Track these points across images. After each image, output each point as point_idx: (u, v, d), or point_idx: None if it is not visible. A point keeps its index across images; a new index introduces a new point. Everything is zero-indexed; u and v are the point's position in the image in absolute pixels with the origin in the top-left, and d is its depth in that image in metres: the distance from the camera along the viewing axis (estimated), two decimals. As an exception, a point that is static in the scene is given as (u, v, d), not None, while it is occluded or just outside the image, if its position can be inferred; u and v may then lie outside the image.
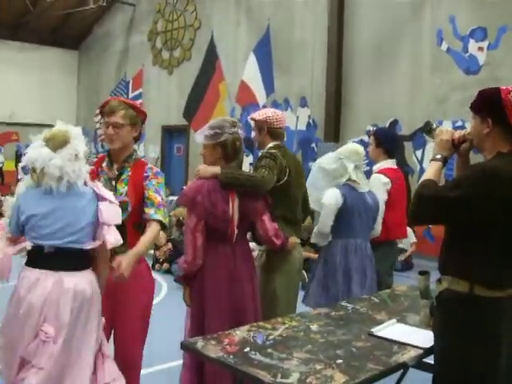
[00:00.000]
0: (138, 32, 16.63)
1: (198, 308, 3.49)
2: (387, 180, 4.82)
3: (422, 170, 9.86)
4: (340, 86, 11.11)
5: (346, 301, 3.78)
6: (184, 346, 2.81)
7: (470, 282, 2.41)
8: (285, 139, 4.28)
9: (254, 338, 2.84)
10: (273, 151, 3.88)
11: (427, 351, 2.79)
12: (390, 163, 5.00)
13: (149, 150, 16.37)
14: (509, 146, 2.42)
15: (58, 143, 2.90)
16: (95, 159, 3.40)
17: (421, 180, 2.55)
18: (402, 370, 4.10)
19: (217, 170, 3.47)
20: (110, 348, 3.11)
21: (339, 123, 11.16)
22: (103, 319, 3.05)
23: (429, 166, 2.66)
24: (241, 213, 3.51)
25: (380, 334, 2.94)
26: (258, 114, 4.11)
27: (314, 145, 11.85)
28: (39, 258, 2.86)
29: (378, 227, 4.69)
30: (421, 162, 9.94)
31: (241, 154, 3.63)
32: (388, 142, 5.09)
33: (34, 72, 17.86)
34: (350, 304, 3.60)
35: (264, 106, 12.65)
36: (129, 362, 3.21)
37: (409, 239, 5.84)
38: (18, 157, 18.31)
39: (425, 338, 2.83)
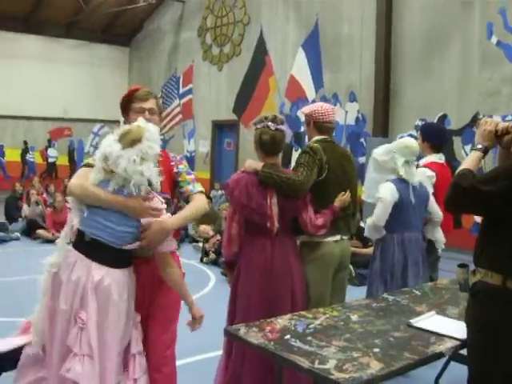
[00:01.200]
0: (188, 28, 16.88)
1: (233, 296, 3.67)
2: (432, 173, 4.85)
3: (471, 165, 9.75)
4: (388, 81, 11.08)
5: (387, 293, 3.85)
6: (227, 333, 2.93)
7: (503, 276, 2.44)
8: (333, 133, 4.28)
9: (295, 326, 2.94)
10: (314, 145, 3.90)
11: (464, 343, 2.84)
12: (437, 158, 5.03)
13: (199, 144, 16.63)
14: None
15: (128, 141, 2.83)
16: None
17: (459, 169, 2.57)
18: (443, 363, 4.18)
19: (259, 166, 3.60)
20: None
21: (388, 118, 11.12)
22: (138, 317, 3.04)
23: (469, 154, 2.68)
24: (280, 208, 3.62)
25: (418, 324, 3.00)
26: (306, 108, 4.16)
27: (362, 139, 11.84)
28: (80, 243, 2.92)
29: (437, 210, 4.73)
30: (470, 156, 9.81)
31: (276, 147, 3.70)
32: (434, 136, 5.11)
33: (86, 69, 18.34)
34: (391, 296, 3.66)
35: (313, 101, 12.67)
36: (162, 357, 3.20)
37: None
38: (71, 152, 18.87)
39: (462, 329, 2.87)
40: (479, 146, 2.66)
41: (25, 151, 18.38)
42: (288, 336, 2.79)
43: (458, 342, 2.81)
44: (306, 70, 11.96)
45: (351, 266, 7.84)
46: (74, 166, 19.05)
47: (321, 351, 2.60)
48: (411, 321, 3.04)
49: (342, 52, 12.15)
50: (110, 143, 2.87)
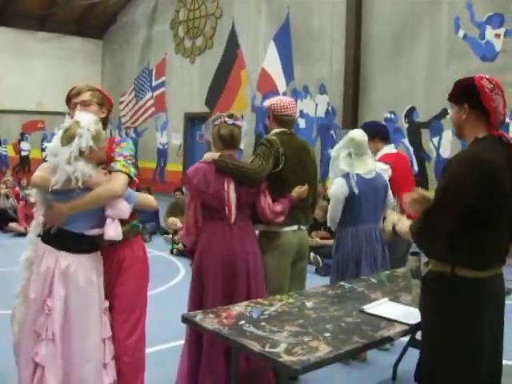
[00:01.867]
0: (161, 21, 16.82)
1: (196, 283, 3.74)
2: (386, 166, 4.96)
3: (438, 157, 9.94)
4: (358, 74, 11.20)
5: (345, 280, 3.96)
6: (184, 319, 3.00)
7: (452, 264, 2.53)
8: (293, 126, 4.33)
9: (250, 313, 3.03)
10: (272, 138, 4.00)
11: (413, 328, 2.95)
12: (388, 148, 5.15)
13: (172, 137, 16.63)
14: (485, 131, 2.56)
15: (65, 139, 2.98)
16: None
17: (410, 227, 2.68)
18: (402, 349, 4.30)
19: (215, 156, 3.72)
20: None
21: (357, 110, 11.25)
22: (106, 303, 3.20)
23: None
24: (238, 195, 3.73)
25: (370, 311, 3.11)
26: (267, 101, 4.26)
27: (332, 132, 11.96)
28: (46, 234, 3.08)
29: (391, 201, 4.83)
30: (437, 148, 10.00)
31: (234, 141, 3.78)
32: (378, 130, 5.26)
33: (59, 62, 18.15)
34: (348, 283, 3.77)
35: (284, 94, 12.76)
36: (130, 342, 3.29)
37: None
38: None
39: (413, 315, 2.98)
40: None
41: (-3, 144, 18.21)
42: (243, 322, 2.88)
43: (406, 327, 2.92)
44: (277, 63, 12.05)
45: (318, 257, 7.96)
46: (46, 160, 18.90)
47: (273, 336, 2.69)
48: (364, 307, 3.15)
49: (313, 45, 12.22)
50: (54, 141, 3.03)
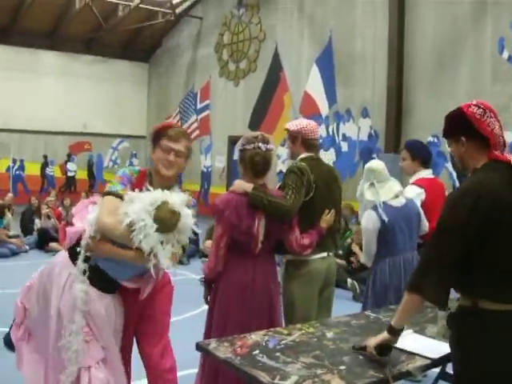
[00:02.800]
0: (206, 44, 17.04)
1: (211, 312, 3.66)
2: (421, 190, 4.81)
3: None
4: (401, 97, 11.05)
5: (371, 310, 3.82)
6: (198, 347, 2.92)
7: (474, 297, 2.40)
8: (319, 151, 4.25)
9: (267, 342, 2.93)
10: (301, 165, 3.86)
11: (435, 362, 2.81)
12: (425, 173, 4.99)
13: (215, 160, 16.72)
14: (485, 158, 2.44)
15: (162, 228, 2.87)
16: (135, 173, 3.19)
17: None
18: (432, 382, 4.13)
19: (249, 187, 3.56)
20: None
21: (400, 134, 11.08)
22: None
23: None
24: (267, 230, 3.60)
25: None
26: (292, 125, 4.10)
27: (375, 155, 11.79)
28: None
29: (425, 226, 4.68)
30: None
31: (267, 168, 3.65)
32: (423, 152, 5.09)
33: (106, 84, 18.58)
34: (373, 314, 3.63)
35: (327, 117, 12.76)
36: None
37: None
38: (90, 166, 19.07)
39: (436, 348, 2.84)
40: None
41: (44, 165, 18.61)
42: (257, 351, 2.78)
43: (428, 361, 2.78)
44: (319, 86, 12.00)
45: (356, 283, 7.80)
46: (92, 181, 19.26)
47: (285, 367, 2.59)
48: (384, 338, 3.01)
49: (355, 68, 12.15)
50: (140, 213, 2.85)
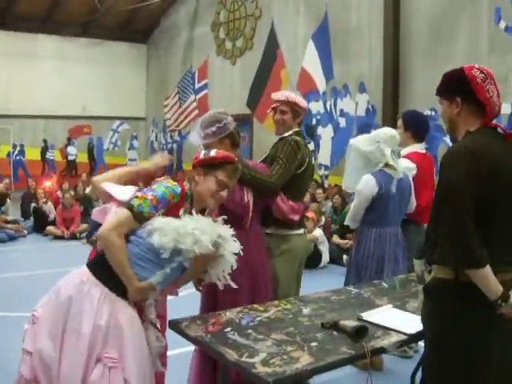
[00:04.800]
0: (202, 23, 16.85)
1: (208, 295, 3.57)
2: (413, 165, 4.72)
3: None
4: (397, 71, 10.88)
5: (353, 285, 3.76)
6: (170, 325, 2.87)
7: (455, 268, 2.31)
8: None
9: (240, 320, 2.88)
10: (299, 140, 3.80)
11: (412, 338, 2.75)
12: (418, 147, 4.88)
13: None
14: (477, 123, 2.36)
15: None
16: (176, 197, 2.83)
17: None
18: (420, 358, 4.07)
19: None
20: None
21: (397, 108, 10.92)
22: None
23: None
24: (254, 201, 3.56)
25: (369, 318, 2.90)
26: (290, 96, 3.93)
27: (373, 130, 11.66)
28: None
29: (413, 204, 4.63)
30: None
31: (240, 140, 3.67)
32: (418, 125, 4.97)
33: (104, 67, 18.46)
34: (355, 289, 3.58)
35: (324, 93, 12.63)
36: None
37: None
38: (91, 149, 19.03)
39: (414, 324, 2.78)
40: None
41: (45, 150, 18.57)
42: (229, 329, 2.74)
43: (404, 337, 2.71)
44: (316, 62, 11.89)
45: (345, 257, 7.76)
46: (93, 164, 19.22)
47: (255, 344, 2.54)
48: (362, 314, 2.95)
49: (352, 43, 11.97)
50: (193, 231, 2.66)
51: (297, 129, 3.97)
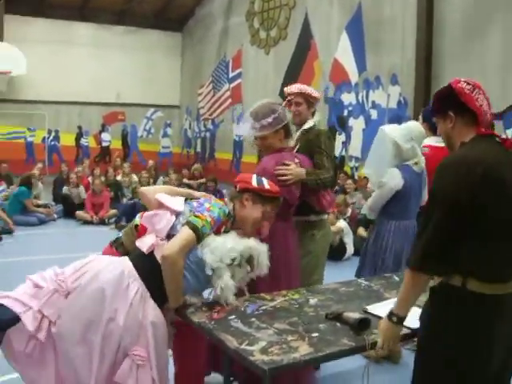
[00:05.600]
0: (237, 13, 16.85)
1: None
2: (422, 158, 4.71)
3: (513, 150, 9.36)
4: (430, 63, 10.72)
5: (364, 278, 3.76)
6: (176, 310, 2.91)
7: (463, 276, 2.28)
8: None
9: (246, 308, 2.91)
10: (327, 129, 4.17)
11: (416, 332, 2.73)
12: (433, 140, 4.84)
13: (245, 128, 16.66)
14: (472, 134, 2.37)
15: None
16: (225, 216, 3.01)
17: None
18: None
19: (303, 174, 3.69)
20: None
21: (429, 101, 10.78)
22: None
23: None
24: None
25: (373, 311, 2.91)
26: (310, 89, 4.13)
27: (403, 123, 11.55)
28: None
29: (425, 196, 4.60)
30: (513, 141, 9.42)
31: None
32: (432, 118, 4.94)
33: (139, 55, 18.62)
34: (366, 281, 3.57)
35: (356, 85, 12.54)
36: None
37: None
38: (124, 136, 19.24)
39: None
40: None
41: (79, 136, 18.85)
42: (233, 316, 2.78)
43: (407, 331, 2.70)
44: (349, 53, 11.85)
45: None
46: (127, 150, 19.44)
47: (257, 333, 2.57)
48: (367, 306, 2.96)
49: (385, 34, 11.82)
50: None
51: (318, 118, 4.13)
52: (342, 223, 8.29)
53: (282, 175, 3.57)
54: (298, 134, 4.04)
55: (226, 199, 3.21)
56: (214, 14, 17.95)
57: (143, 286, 2.75)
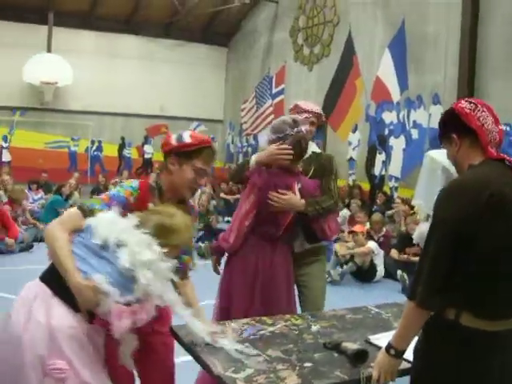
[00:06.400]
0: (281, 28, 16.86)
1: (224, 293, 3.53)
2: None
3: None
4: (472, 83, 10.47)
5: (376, 305, 3.61)
6: (171, 330, 2.82)
7: (457, 309, 2.15)
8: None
9: (243, 331, 2.81)
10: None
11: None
12: None
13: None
14: (480, 156, 2.22)
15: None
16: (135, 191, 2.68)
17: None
18: None
19: (302, 205, 3.52)
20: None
21: (471, 122, 10.53)
22: None
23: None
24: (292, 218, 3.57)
25: (376, 341, 2.76)
26: (318, 108, 4.03)
27: (446, 144, 11.29)
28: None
29: None
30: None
31: (305, 153, 3.57)
32: None
33: (184, 68, 18.78)
34: (376, 308, 3.42)
35: (398, 103, 12.33)
36: None
37: None
38: (167, 148, 19.37)
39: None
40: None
41: (122, 147, 19.07)
42: (225, 341, 2.65)
43: (408, 365, 2.53)
44: (391, 72, 11.65)
45: (405, 275, 7.49)
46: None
47: (246, 359, 2.46)
48: (370, 337, 2.82)
49: (427, 53, 11.64)
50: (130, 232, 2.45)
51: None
52: (371, 244, 8.11)
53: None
54: (308, 156, 3.86)
55: None
56: (259, 29, 18.00)
57: (43, 287, 2.48)
